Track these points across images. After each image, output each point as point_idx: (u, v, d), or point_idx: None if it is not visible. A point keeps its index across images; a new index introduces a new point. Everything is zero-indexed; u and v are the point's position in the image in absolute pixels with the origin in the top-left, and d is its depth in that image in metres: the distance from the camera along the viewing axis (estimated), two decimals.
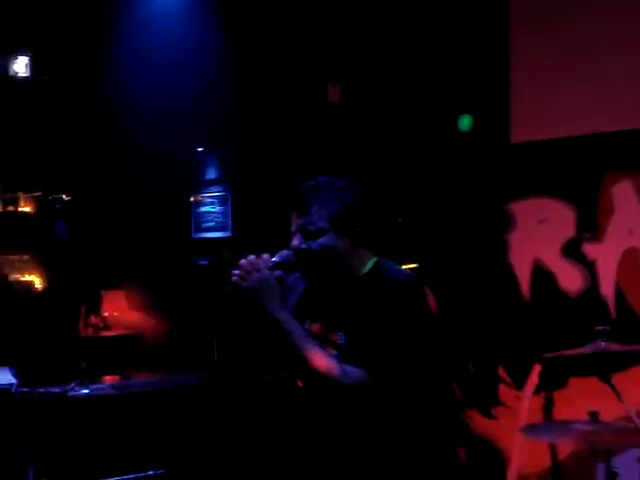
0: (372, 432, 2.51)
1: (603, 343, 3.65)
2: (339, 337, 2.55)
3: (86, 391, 5.05)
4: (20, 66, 6.57)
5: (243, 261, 2.51)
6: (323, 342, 2.54)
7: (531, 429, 4.13)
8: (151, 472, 5.02)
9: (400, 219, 5.58)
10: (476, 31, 5.36)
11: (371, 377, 2.42)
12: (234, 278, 2.50)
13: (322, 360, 2.44)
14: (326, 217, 2.53)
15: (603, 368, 3.56)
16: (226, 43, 6.43)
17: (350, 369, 2.43)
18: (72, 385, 4.88)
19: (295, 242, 2.56)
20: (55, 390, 4.92)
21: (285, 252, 2.59)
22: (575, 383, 4.86)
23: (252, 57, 6.39)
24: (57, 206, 7.09)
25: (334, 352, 2.53)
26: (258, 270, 2.50)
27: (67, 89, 6.96)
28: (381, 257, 2.65)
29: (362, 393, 2.42)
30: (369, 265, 2.60)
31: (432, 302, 2.67)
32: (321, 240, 2.53)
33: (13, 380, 4.55)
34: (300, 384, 3.80)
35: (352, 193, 2.59)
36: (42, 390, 4.92)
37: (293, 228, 2.58)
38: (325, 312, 2.63)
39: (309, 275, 2.60)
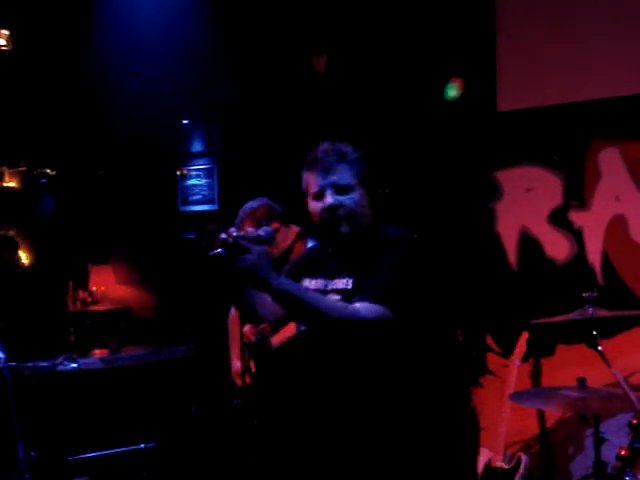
0: (382, 379, 2.61)
1: (591, 309, 3.67)
2: (344, 282, 2.68)
3: (75, 365, 5.06)
4: (2, 39, 6.49)
5: (225, 236, 2.52)
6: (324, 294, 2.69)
7: (519, 395, 4.16)
8: (142, 445, 5.04)
9: (387, 191, 5.57)
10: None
11: (384, 308, 2.53)
12: (221, 250, 2.50)
13: (334, 304, 2.57)
14: (354, 175, 2.72)
15: (591, 334, 3.57)
16: (211, 15, 6.38)
17: (361, 303, 2.54)
18: (60, 359, 4.88)
19: (328, 199, 2.68)
20: (44, 364, 4.93)
21: (268, 228, 2.67)
22: (562, 350, 4.89)
23: (237, 29, 6.34)
24: (42, 181, 7.04)
25: (337, 297, 2.65)
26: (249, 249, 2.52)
27: (51, 62, 6.90)
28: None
29: (378, 324, 2.53)
30: (374, 222, 2.79)
31: None
32: (352, 195, 2.70)
33: (1, 355, 4.55)
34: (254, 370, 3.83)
35: (367, 159, 2.81)
36: (31, 364, 4.92)
37: (316, 189, 2.71)
38: (325, 264, 2.78)
39: (334, 229, 2.71)
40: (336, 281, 2.69)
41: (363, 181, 2.74)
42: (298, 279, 2.76)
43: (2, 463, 4.45)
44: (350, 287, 2.65)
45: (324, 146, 2.77)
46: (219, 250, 2.49)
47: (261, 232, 2.60)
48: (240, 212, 4.10)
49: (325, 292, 2.68)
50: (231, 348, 4.43)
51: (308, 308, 2.53)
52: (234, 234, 2.50)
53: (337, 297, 2.64)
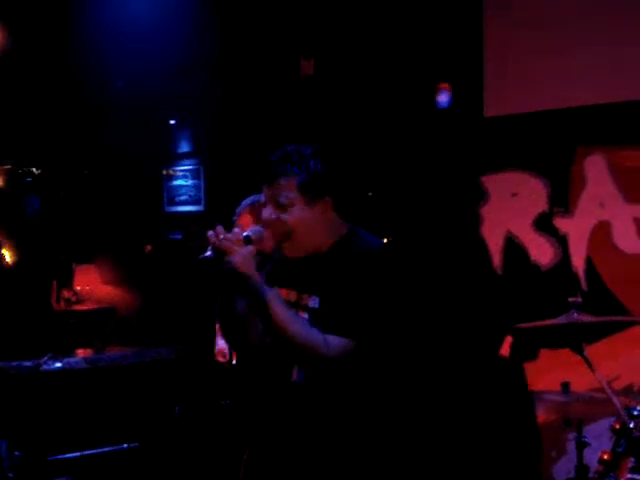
0: (342, 399, 2.52)
1: (576, 314, 3.69)
2: (312, 300, 2.57)
3: (59, 365, 5.04)
4: None
5: (211, 234, 2.46)
6: (295, 307, 2.56)
7: None
8: (125, 445, 5.04)
9: (370, 194, 5.59)
10: (450, 5, 5.35)
11: (352, 344, 2.43)
12: (210, 254, 2.46)
13: (307, 335, 2.44)
14: (293, 187, 2.52)
15: (576, 339, 3.60)
16: (200, 17, 6.37)
17: (332, 339, 2.43)
18: (45, 359, 4.87)
19: (265, 214, 2.56)
20: (28, 364, 4.91)
21: (256, 228, 2.59)
22: (546, 355, 4.91)
23: (225, 30, 6.34)
24: (27, 179, 7.01)
25: (305, 315, 2.55)
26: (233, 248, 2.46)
27: (37, 60, 6.87)
28: (354, 226, 2.67)
29: (344, 362, 2.44)
30: (343, 233, 2.62)
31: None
32: (291, 210, 2.53)
33: None
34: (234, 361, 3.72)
35: (320, 161, 2.57)
36: (15, 364, 4.91)
37: (264, 199, 2.59)
38: (297, 277, 2.64)
39: (282, 247, 2.60)
40: (305, 297, 2.59)
41: (307, 190, 2.52)
42: (272, 286, 2.59)
43: None
44: (317, 307, 2.55)
45: (275, 153, 2.57)
46: (208, 253, 2.47)
47: (249, 232, 2.53)
48: (242, 204, 4.07)
49: (296, 306, 2.58)
50: (219, 326, 4.39)
51: (281, 323, 2.42)
52: (221, 235, 2.45)
53: (306, 315, 2.55)
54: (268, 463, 2.66)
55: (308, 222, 2.54)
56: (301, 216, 2.53)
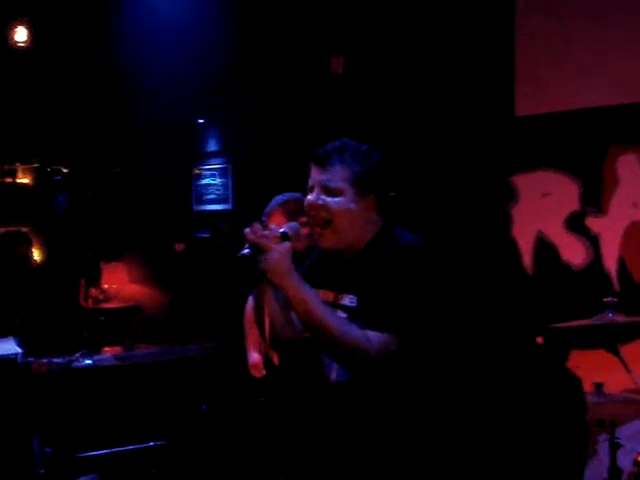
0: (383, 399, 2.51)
1: (610, 314, 3.67)
2: (349, 300, 2.56)
3: (89, 362, 5.05)
4: (20, 35, 6.50)
5: (249, 231, 2.45)
6: (332, 308, 2.54)
7: None
8: (151, 443, 5.04)
9: (392, 194, 5.56)
10: (481, 3, 5.33)
11: (394, 340, 2.41)
12: (248, 251, 2.46)
13: (347, 331, 2.42)
14: (347, 178, 2.54)
15: (611, 339, 3.57)
16: (230, 15, 6.39)
17: (373, 335, 2.41)
18: (76, 356, 4.89)
19: (311, 197, 2.56)
20: (59, 360, 4.93)
21: (293, 224, 2.59)
22: (577, 356, 4.87)
23: (256, 29, 6.35)
24: (56, 178, 7.05)
25: (344, 315, 2.53)
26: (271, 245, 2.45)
27: (66, 59, 6.91)
28: (391, 225, 2.67)
29: (387, 359, 2.42)
30: (377, 230, 2.62)
31: None
32: (338, 199, 2.53)
33: (18, 350, 4.56)
34: (276, 362, 3.73)
35: (374, 159, 2.61)
36: (46, 360, 4.93)
37: (311, 183, 2.58)
38: (333, 275, 2.63)
39: (320, 234, 2.58)
40: (343, 296, 2.58)
41: (359, 184, 2.55)
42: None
43: (16, 457, 4.45)
44: (355, 305, 2.54)
45: (333, 142, 2.59)
46: (246, 251, 2.47)
47: (286, 229, 2.53)
48: (271, 202, 4.05)
49: (334, 306, 2.56)
50: (247, 340, 4.38)
51: (320, 320, 2.41)
52: (258, 232, 2.45)
53: (344, 315, 2.53)
54: (310, 462, 2.65)
55: (351, 214, 2.55)
56: (346, 206, 2.54)
